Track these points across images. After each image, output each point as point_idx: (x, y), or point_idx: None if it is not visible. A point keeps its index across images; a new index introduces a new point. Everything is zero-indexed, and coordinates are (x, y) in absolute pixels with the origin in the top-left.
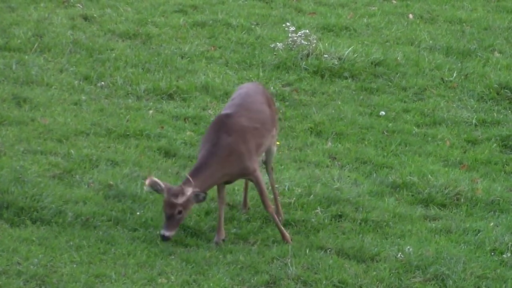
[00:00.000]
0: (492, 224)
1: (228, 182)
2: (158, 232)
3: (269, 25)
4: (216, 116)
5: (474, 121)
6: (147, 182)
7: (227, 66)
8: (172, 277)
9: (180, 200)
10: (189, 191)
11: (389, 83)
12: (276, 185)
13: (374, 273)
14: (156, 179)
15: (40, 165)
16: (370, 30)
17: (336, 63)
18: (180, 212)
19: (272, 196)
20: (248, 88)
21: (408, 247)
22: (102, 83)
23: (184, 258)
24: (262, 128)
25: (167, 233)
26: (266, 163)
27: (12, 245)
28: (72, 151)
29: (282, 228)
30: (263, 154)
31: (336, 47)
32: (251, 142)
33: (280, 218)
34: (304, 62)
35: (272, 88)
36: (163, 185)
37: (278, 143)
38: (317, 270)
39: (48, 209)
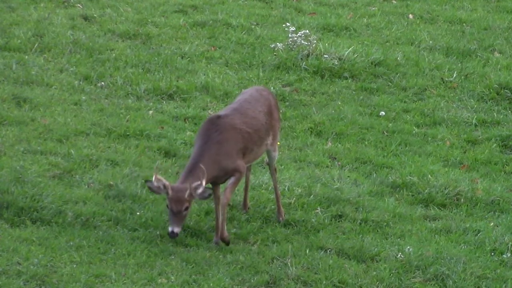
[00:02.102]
0: (492, 224)
1: (216, 182)
2: (166, 230)
3: (269, 25)
4: (207, 117)
5: (474, 121)
6: (154, 179)
7: (227, 66)
8: (172, 277)
9: (188, 195)
10: (195, 186)
11: (389, 83)
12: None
13: (374, 273)
14: (160, 177)
15: (40, 165)
16: (370, 30)
17: (336, 63)
18: (186, 208)
19: (273, 196)
20: (250, 94)
21: (408, 247)
22: (102, 83)
23: (184, 258)
24: (254, 134)
25: (176, 229)
26: (269, 165)
27: (12, 245)
28: (72, 151)
29: (224, 225)
30: (260, 158)
31: (336, 47)
32: (240, 143)
33: (281, 218)
34: (304, 62)
35: (272, 88)
36: (167, 183)
37: (278, 143)
38: (317, 270)
39: (48, 209)
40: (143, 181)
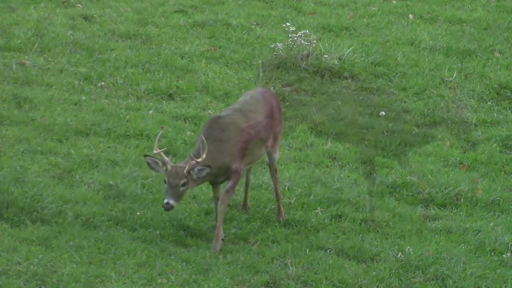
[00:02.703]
0: (492, 224)
1: (216, 182)
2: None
3: (269, 25)
4: (209, 117)
5: (474, 121)
6: (154, 150)
7: (227, 66)
8: (172, 277)
9: (187, 171)
10: (193, 163)
11: (389, 83)
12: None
13: (374, 273)
14: (161, 152)
15: (40, 165)
16: (370, 30)
17: (336, 63)
18: (184, 184)
19: (273, 196)
20: (252, 96)
21: (408, 247)
22: (102, 83)
23: (184, 258)
24: (255, 135)
25: (171, 201)
26: (269, 165)
27: (12, 245)
28: (72, 151)
29: (221, 229)
30: (261, 159)
31: (336, 47)
32: (241, 143)
33: (281, 218)
34: (304, 62)
35: (272, 88)
36: (167, 159)
37: None
38: (317, 270)
39: (48, 209)
40: (143, 180)
